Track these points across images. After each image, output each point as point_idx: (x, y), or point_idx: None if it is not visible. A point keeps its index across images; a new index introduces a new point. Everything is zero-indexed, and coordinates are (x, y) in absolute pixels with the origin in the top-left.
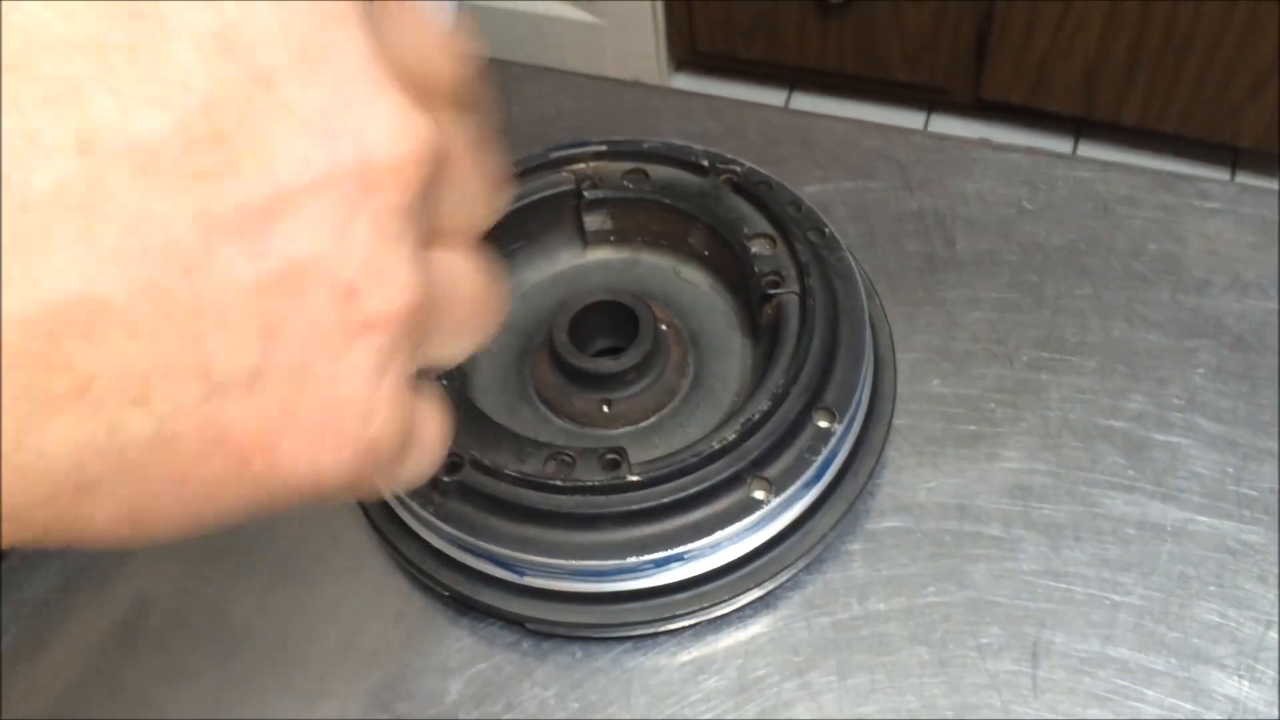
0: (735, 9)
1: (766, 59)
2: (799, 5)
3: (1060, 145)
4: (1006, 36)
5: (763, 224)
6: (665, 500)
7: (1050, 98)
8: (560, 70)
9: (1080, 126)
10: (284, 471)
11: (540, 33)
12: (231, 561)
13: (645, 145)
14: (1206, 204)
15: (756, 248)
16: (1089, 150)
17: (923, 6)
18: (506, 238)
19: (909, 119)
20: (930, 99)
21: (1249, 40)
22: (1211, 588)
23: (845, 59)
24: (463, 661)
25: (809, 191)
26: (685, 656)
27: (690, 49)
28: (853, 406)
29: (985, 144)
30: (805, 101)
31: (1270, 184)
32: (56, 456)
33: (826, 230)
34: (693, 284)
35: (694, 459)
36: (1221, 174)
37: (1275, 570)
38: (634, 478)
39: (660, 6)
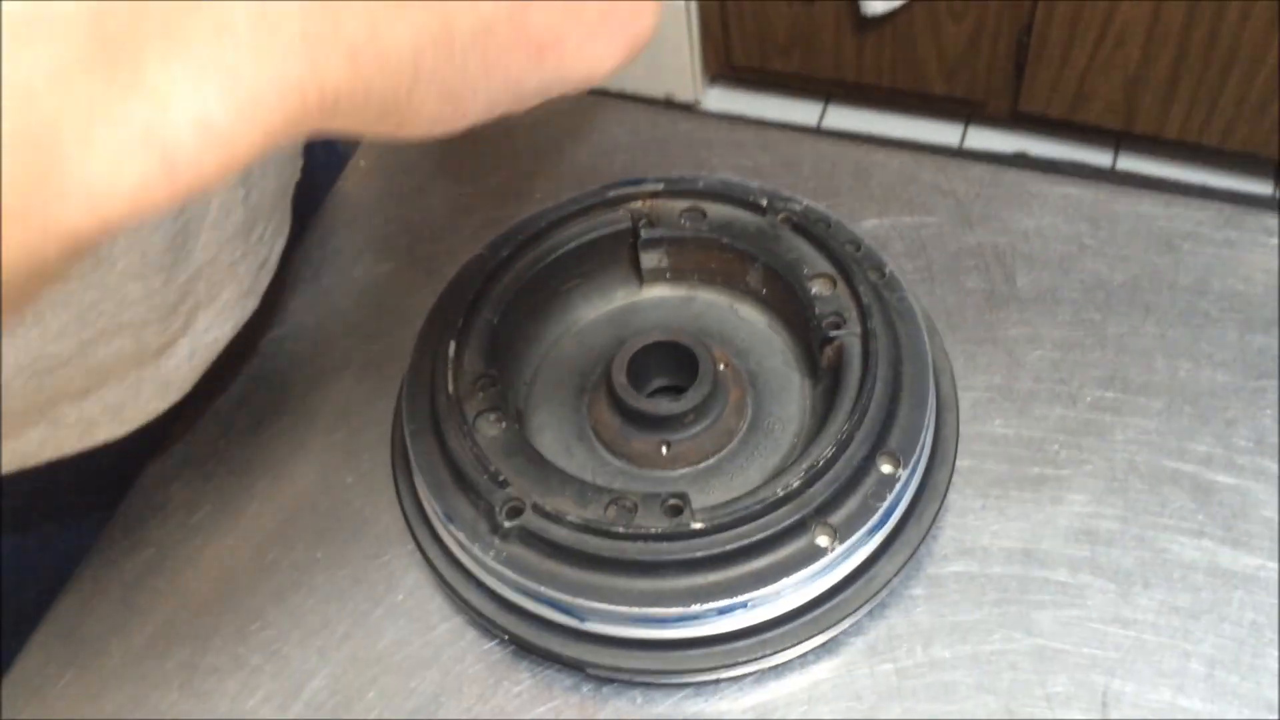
0: (772, 22)
1: (802, 72)
2: (836, 18)
3: (1100, 159)
4: (1046, 50)
5: (823, 264)
6: (728, 548)
7: (1090, 111)
8: (600, 92)
9: (1120, 140)
10: (569, 62)
11: None
12: (291, 604)
13: (701, 183)
14: (1273, 240)
15: (816, 288)
16: (1128, 164)
17: (961, 19)
18: (563, 275)
19: (946, 132)
20: (968, 112)
21: None
22: None
23: (882, 72)
24: (522, 705)
25: (866, 227)
26: (747, 703)
27: (725, 62)
28: (917, 451)
29: (1023, 157)
30: (841, 115)
31: None
32: (400, 48)
33: (887, 270)
34: (749, 322)
35: (758, 506)
36: (1264, 187)
37: None
38: (697, 525)
39: (696, 19)
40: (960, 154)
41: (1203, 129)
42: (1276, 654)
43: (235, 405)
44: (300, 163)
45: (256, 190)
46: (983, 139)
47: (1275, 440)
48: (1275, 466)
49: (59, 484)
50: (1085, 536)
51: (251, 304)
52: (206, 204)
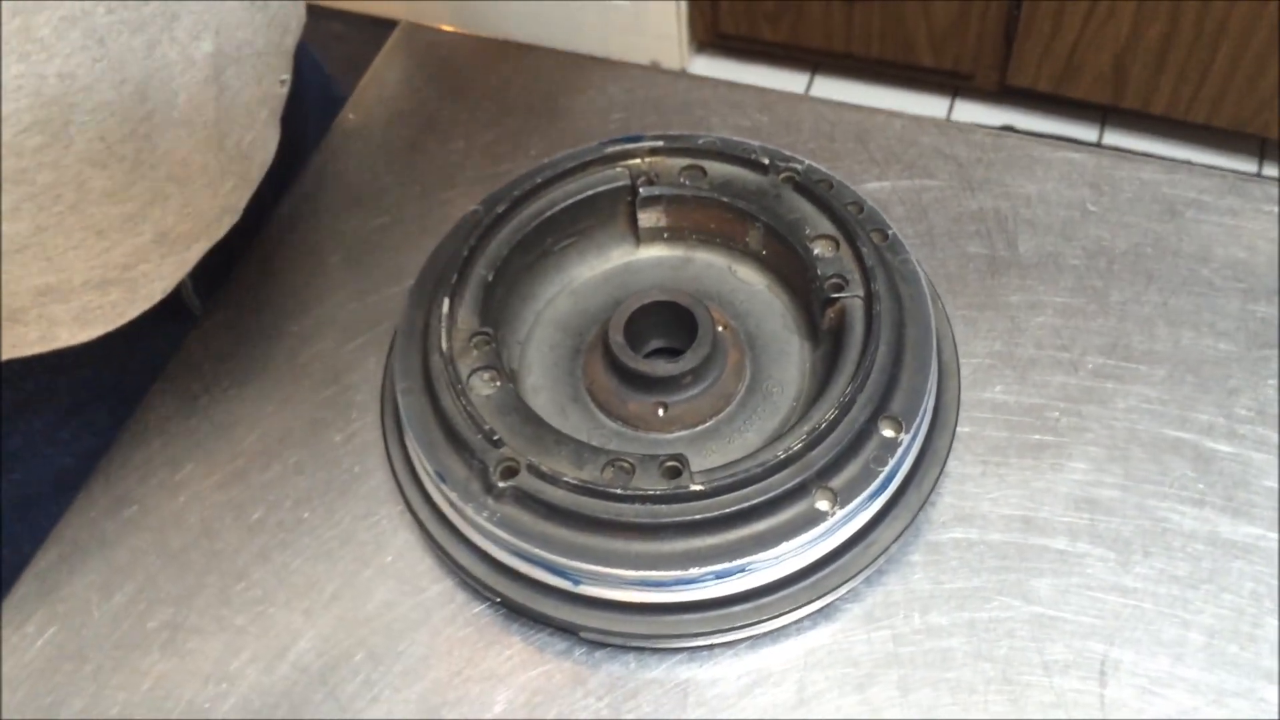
0: None
1: (790, 42)
2: None
3: (1086, 133)
4: (1035, 23)
5: (825, 225)
6: (728, 510)
7: (1078, 85)
8: (596, 60)
9: (1106, 114)
10: None
11: (559, 11)
12: (277, 564)
13: (701, 141)
14: (1276, 208)
15: (819, 249)
16: (1115, 139)
17: None
18: (559, 232)
19: (933, 105)
20: (955, 84)
21: None
22: None
23: (870, 43)
24: (513, 669)
25: (866, 190)
26: (742, 668)
27: (713, 31)
28: (919, 415)
29: (1009, 130)
30: (828, 85)
31: None
32: None
33: (890, 232)
34: (748, 284)
35: (758, 469)
36: (1249, 165)
37: None
38: (696, 487)
39: None
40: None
41: (1190, 105)
42: (1275, 624)
43: (220, 360)
44: (288, 75)
45: (230, 91)
46: (970, 112)
47: (1276, 410)
48: (1276, 436)
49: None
50: (1085, 504)
51: (229, 219)
52: (173, 94)
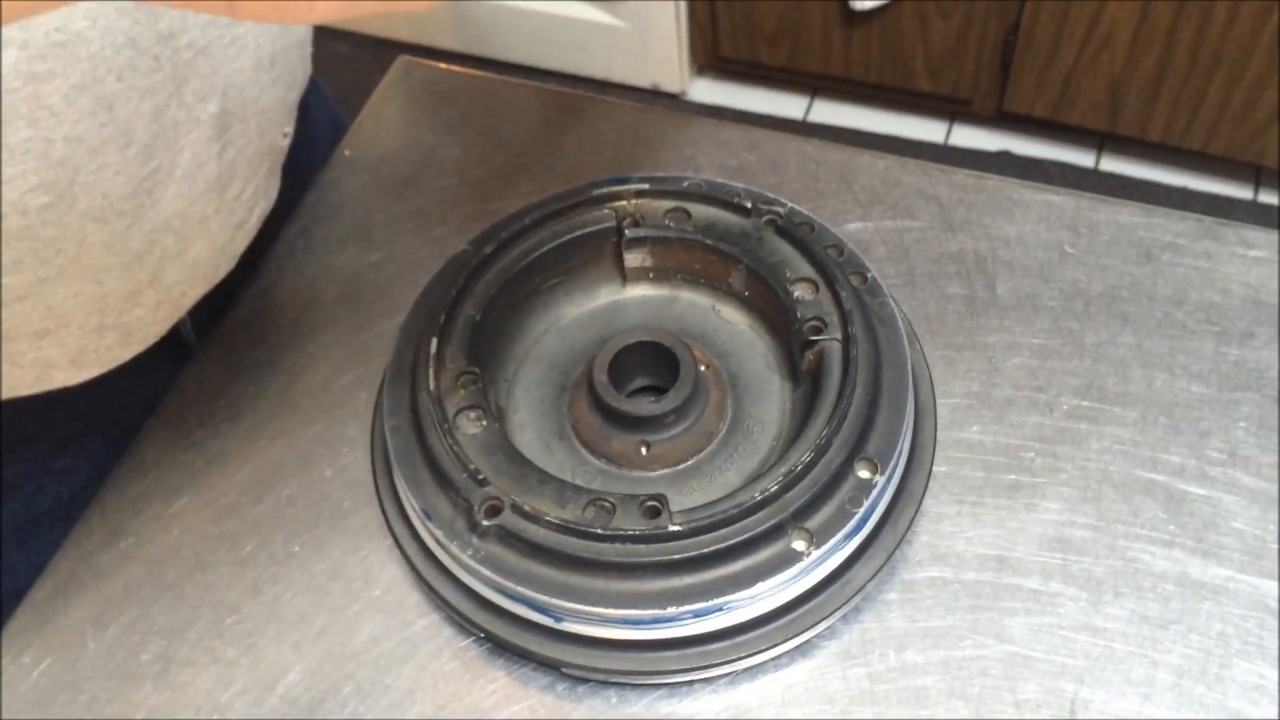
0: (760, 14)
1: (790, 65)
2: (824, 12)
3: (1083, 159)
4: (1032, 49)
5: (805, 268)
6: (706, 550)
7: (1074, 111)
8: (588, 80)
9: (1103, 141)
10: None
11: (562, 34)
12: (268, 597)
13: (686, 184)
14: (1251, 252)
15: (799, 292)
16: (1111, 165)
17: (949, 17)
18: (546, 272)
19: (931, 129)
20: (953, 110)
21: (1275, 61)
22: (1251, 647)
23: (869, 68)
24: (497, 703)
25: (849, 230)
26: (720, 704)
27: (713, 54)
28: (895, 457)
29: (1007, 155)
30: (826, 109)
31: None
32: None
33: (869, 275)
34: (731, 323)
35: (735, 510)
36: (1244, 192)
37: None
38: (675, 527)
39: (684, 10)
40: (944, 153)
41: (1185, 132)
42: (1242, 665)
43: (215, 395)
44: (291, 129)
45: (234, 147)
46: (967, 137)
47: (1247, 453)
48: (1246, 478)
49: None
50: (1058, 544)
51: (225, 266)
52: (178, 152)
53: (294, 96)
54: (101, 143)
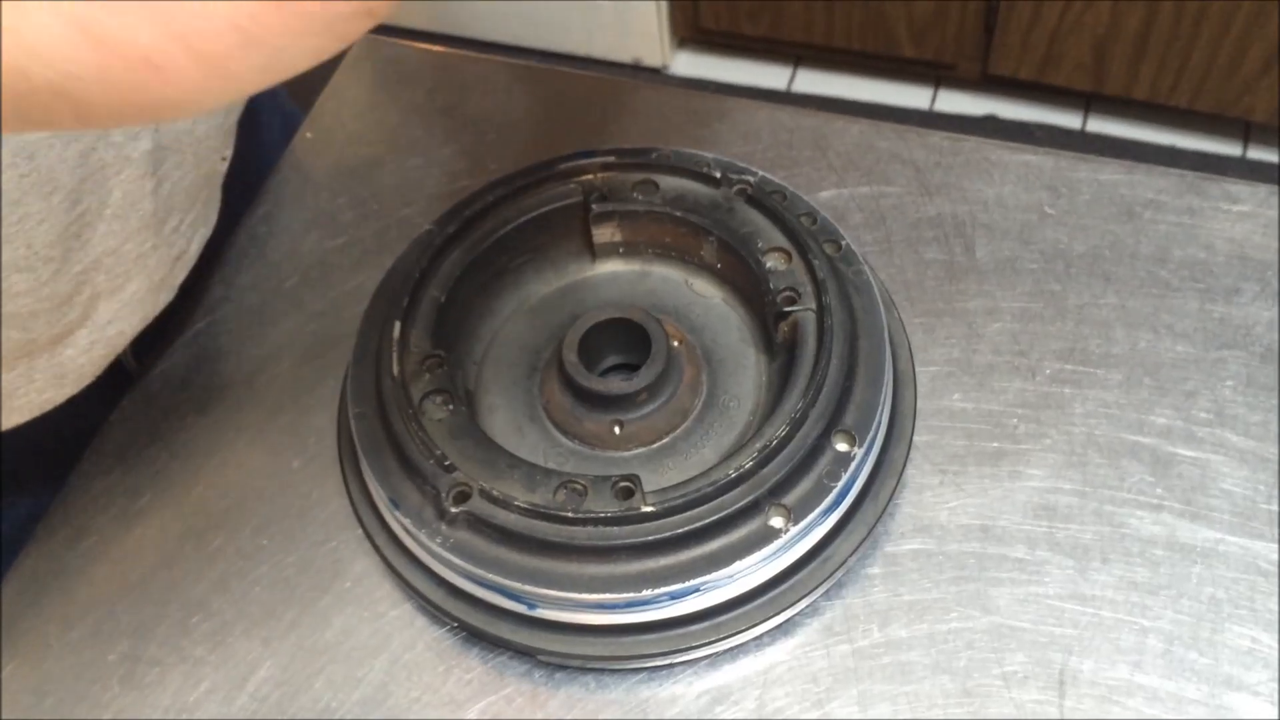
0: None
1: (771, 35)
2: None
3: (1069, 121)
4: (1015, 11)
5: (777, 237)
6: (680, 531)
7: (1059, 73)
8: (569, 57)
9: (1089, 102)
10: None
11: (540, 11)
12: (236, 593)
13: (654, 155)
14: (1235, 207)
15: (771, 262)
16: (1098, 125)
17: None
18: (513, 250)
19: (916, 95)
20: (937, 75)
21: (1262, 15)
22: (1243, 611)
23: (851, 35)
24: (473, 694)
25: (823, 197)
26: (702, 686)
27: (693, 26)
28: (873, 429)
29: (992, 120)
30: (810, 79)
31: None
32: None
33: (843, 243)
34: (704, 297)
35: (710, 488)
36: (1233, 149)
37: None
38: (648, 508)
39: None
40: (930, 119)
41: (1172, 90)
42: (1234, 629)
43: (178, 388)
44: (229, 151)
45: (170, 181)
46: (953, 102)
47: (1235, 412)
48: (1235, 438)
49: None
50: (1044, 512)
51: (165, 297)
52: (107, 193)
53: (232, 120)
54: (22, 194)
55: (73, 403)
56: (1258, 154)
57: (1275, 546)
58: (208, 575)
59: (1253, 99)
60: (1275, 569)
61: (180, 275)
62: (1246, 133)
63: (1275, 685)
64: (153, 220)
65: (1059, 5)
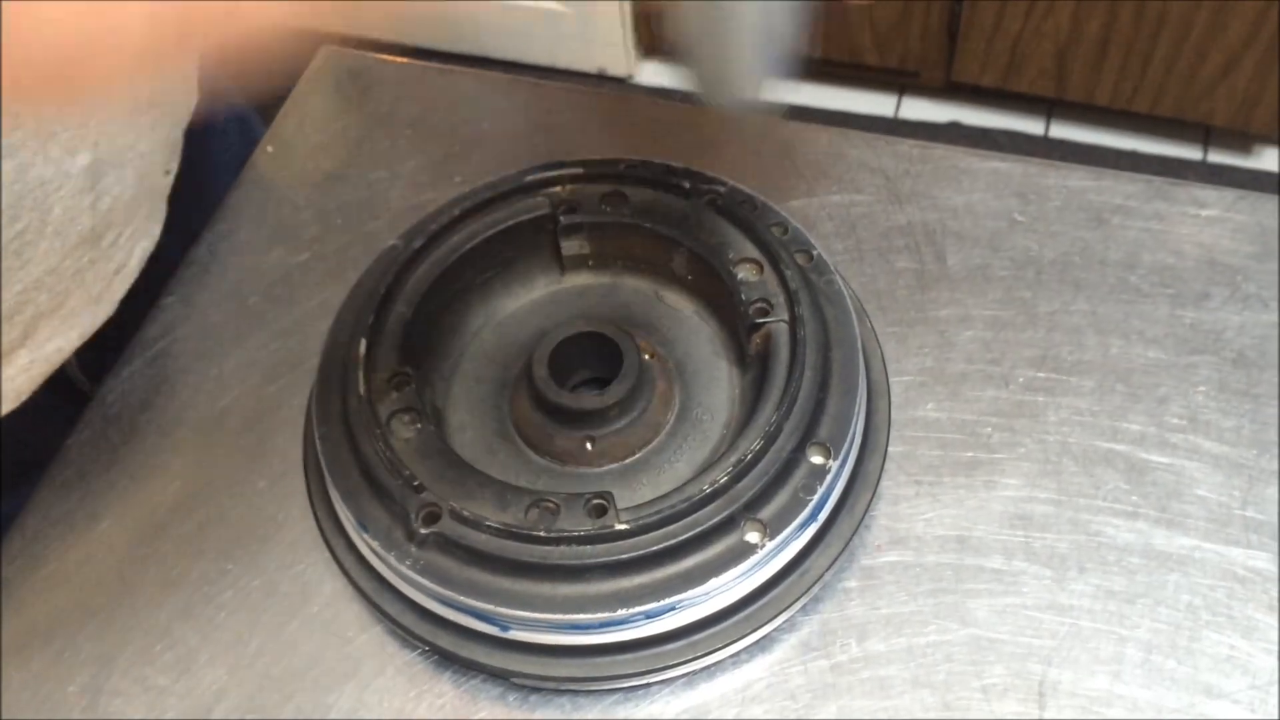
0: None
1: None
2: None
3: (1032, 126)
4: (978, 19)
5: (748, 248)
6: (655, 548)
7: (1022, 79)
8: (534, 67)
9: (1052, 107)
10: None
11: (507, 20)
12: (200, 619)
13: (623, 166)
14: (1202, 212)
15: (743, 274)
16: (1061, 131)
17: None
18: (480, 265)
19: (881, 103)
20: (901, 83)
21: (1221, 19)
22: (1220, 618)
23: (815, 43)
24: (446, 718)
25: (794, 206)
26: (679, 705)
27: (659, 35)
28: (848, 441)
29: (956, 126)
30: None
31: (1270, 195)
32: None
33: (814, 253)
34: (676, 309)
35: (684, 504)
36: (1194, 153)
37: None
38: (622, 526)
39: None
40: (895, 127)
41: (1133, 95)
42: (1212, 636)
43: (138, 409)
44: (175, 164)
45: (109, 195)
46: (917, 109)
47: (1207, 417)
48: (1208, 444)
49: None
50: (1019, 521)
51: (104, 312)
52: (46, 211)
53: (177, 134)
54: None
55: (22, 425)
56: (1218, 157)
57: (1249, 552)
58: (171, 602)
59: (1212, 103)
60: (1250, 575)
61: (120, 289)
62: (1206, 137)
63: (1253, 693)
64: (90, 235)
65: (1021, 12)
